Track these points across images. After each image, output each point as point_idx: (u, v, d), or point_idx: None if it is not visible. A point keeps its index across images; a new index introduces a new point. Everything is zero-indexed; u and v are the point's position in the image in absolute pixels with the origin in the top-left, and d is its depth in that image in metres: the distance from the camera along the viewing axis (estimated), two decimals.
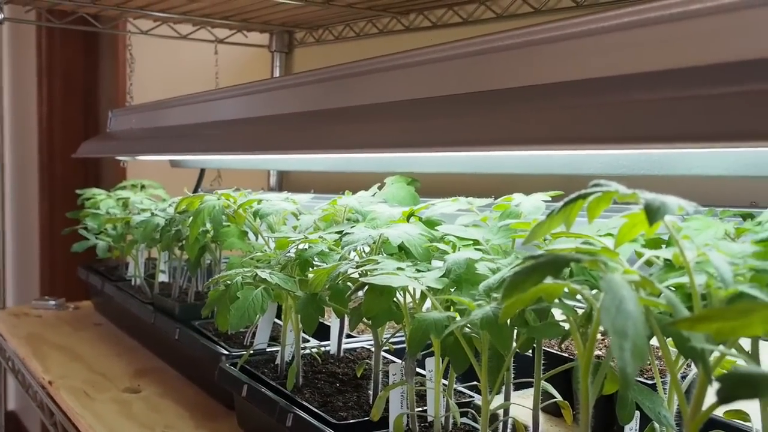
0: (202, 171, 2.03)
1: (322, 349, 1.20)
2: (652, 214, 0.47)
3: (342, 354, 1.21)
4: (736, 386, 0.37)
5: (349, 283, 0.91)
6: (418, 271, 0.82)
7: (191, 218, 1.23)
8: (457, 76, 0.88)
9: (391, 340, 1.09)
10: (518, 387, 0.91)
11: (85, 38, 3.93)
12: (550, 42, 0.77)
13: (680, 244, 0.52)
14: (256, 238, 1.34)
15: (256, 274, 0.97)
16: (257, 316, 0.94)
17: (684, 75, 0.61)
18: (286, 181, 2.13)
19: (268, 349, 1.22)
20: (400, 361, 1.12)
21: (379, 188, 1.19)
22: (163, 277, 1.70)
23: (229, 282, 0.97)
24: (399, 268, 0.80)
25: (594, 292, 0.60)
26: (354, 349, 1.24)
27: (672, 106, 0.56)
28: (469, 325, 0.69)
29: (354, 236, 0.89)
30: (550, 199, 0.82)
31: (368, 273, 0.79)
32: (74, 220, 1.85)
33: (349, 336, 1.29)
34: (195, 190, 2.05)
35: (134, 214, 1.65)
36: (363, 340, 1.30)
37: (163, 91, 2.37)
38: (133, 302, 1.61)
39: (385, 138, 0.90)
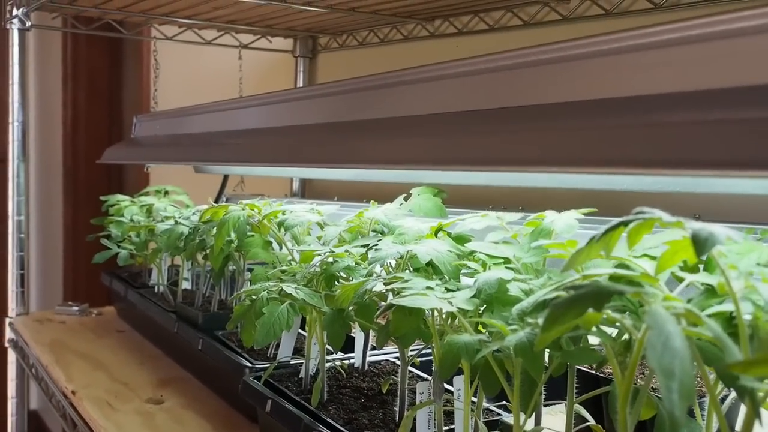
0: (226, 177, 2.03)
1: (347, 362, 1.19)
2: (700, 245, 0.45)
3: (367, 367, 1.19)
4: None
5: (375, 298, 0.89)
6: (447, 290, 0.80)
7: (216, 229, 1.22)
8: (486, 90, 0.87)
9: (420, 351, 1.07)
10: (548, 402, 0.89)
11: (109, 43, 3.96)
12: (582, 58, 0.75)
13: (727, 274, 0.50)
14: (280, 248, 1.33)
15: (282, 289, 0.95)
16: (282, 331, 0.92)
17: (726, 96, 0.59)
18: (309, 188, 2.12)
19: (292, 362, 1.21)
20: (427, 378, 1.11)
21: (405, 199, 1.18)
22: (186, 285, 1.70)
23: (254, 297, 0.96)
24: (428, 287, 0.78)
25: (632, 320, 0.58)
26: (379, 362, 1.23)
27: (716, 130, 0.53)
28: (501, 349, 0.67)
29: (382, 252, 0.87)
30: (582, 217, 0.80)
31: (397, 291, 0.77)
32: (99, 226, 1.85)
33: (373, 348, 1.28)
34: (218, 196, 2.05)
35: (158, 221, 1.65)
36: (388, 353, 1.28)
37: (188, 97, 2.38)
38: (155, 310, 1.61)
39: (409, 154, 0.88)
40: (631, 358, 0.57)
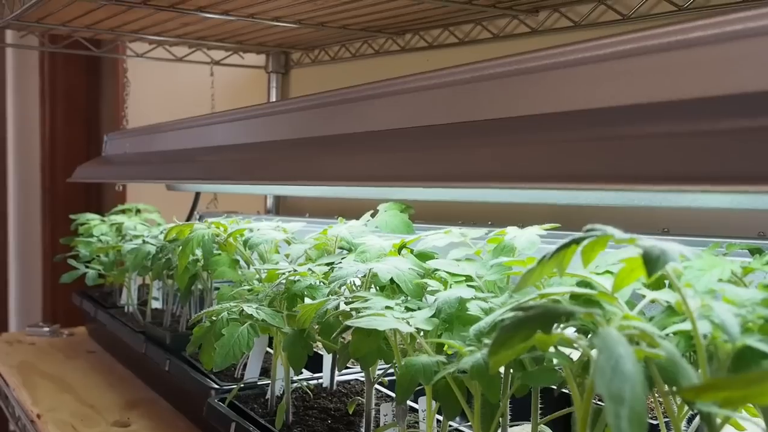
0: (197, 195, 2.00)
1: (315, 382, 1.16)
2: (652, 264, 0.43)
3: (335, 387, 1.17)
4: None
5: (340, 317, 0.87)
6: (408, 309, 0.78)
7: (180, 247, 1.19)
8: (453, 103, 0.85)
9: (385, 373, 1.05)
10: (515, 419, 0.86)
11: (86, 61, 3.92)
12: (546, 70, 0.73)
13: (682, 292, 0.48)
14: (248, 267, 1.31)
15: (242, 310, 0.93)
16: (243, 353, 0.90)
17: (689, 107, 0.57)
18: (283, 205, 2.10)
19: (259, 383, 1.18)
20: (392, 398, 1.08)
21: (372, 215, 1.16)
22: (156, 304, 1.66)
23: (214, 318, 0.93)
24: (388, 307, 0.76)
25: (590, 339, 0.56)
26: (348, 382, 1.20)
27: (677, 143, 0.52)
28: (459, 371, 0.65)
29: (342, 271, 0.85)
30: (545, 233, 0.78)
31: (356, 311, 0.75)
32: (70, 246, 1.81)
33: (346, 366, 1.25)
34: (190, 214, 2.02)
35: (126, 240, 1.62)
36: (358, 372, 1.26)
37: (160, 114, 2.35)
38: (124, 330, 1.57)
39: (376, 171, 0.86)
40: (589, 380, 0.55)
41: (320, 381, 1.18)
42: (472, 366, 0.60)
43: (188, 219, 2.01)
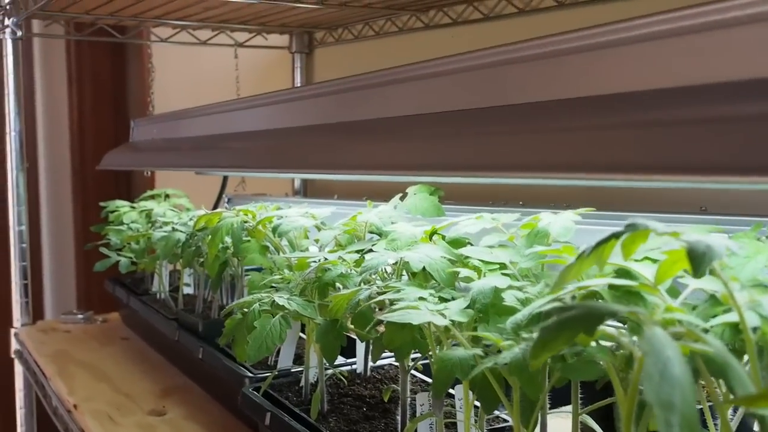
0: (225, 178, 2.00)
1: (349, 368, 1.16)
2: (697, 261, 0.41)
3: (369, 373, 1.16)
4: None
5: (374, 305, 0.86)
6: (442, 299, 0.76)
7: (209, 236, 1.19)
8: (483, 87, 0.82)
9: (420, 360, 1.04)
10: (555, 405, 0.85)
11: (112, 47, 3.93)
12: (580, 51, 0.70)
13: (730, 287, 0.46)
14: (278, 252, 1.30)
15: (274, 301, 0.92)
16: (276, 345, 0.89)
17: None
18: (311, 187, 2.09)
19: (293, 370, 1.18)
20: (428, 384, 1.07)
21: (402, 198, 1.14)
22: (188, 290, 1.67)
23: (246, 310, 0.93)
24: (421, 298, 0.74)
25: (633, 334, 0.54)
26: (382, 367, 1.19)
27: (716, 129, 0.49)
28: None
29: (373, 261, 0.84)
30: (579, 218, 0.76)
31: (389, 303, 0.74)
32: (99, 234, 1.83)
33: None
34: (218, 198, 2.02)
35: (156, 227, 1.62)
36: (391, 356, 1.25)
37: (186, 98, 2.35)
38: (157, 318, 1.58)
39: (406, 160, 0.84)
40: (633, 375, 0.53)
41: (354, 367, 1.17)
42: (511, 362, 0.59)
43: (217, 202, 2.01)
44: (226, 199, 2.04)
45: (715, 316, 0.56)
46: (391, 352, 0.80)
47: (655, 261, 0.67)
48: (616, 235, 0.48)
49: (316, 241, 1.25)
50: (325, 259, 0.97)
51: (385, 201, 1.15)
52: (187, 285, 1.69)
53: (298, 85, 2.05)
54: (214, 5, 1.63)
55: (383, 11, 1.62)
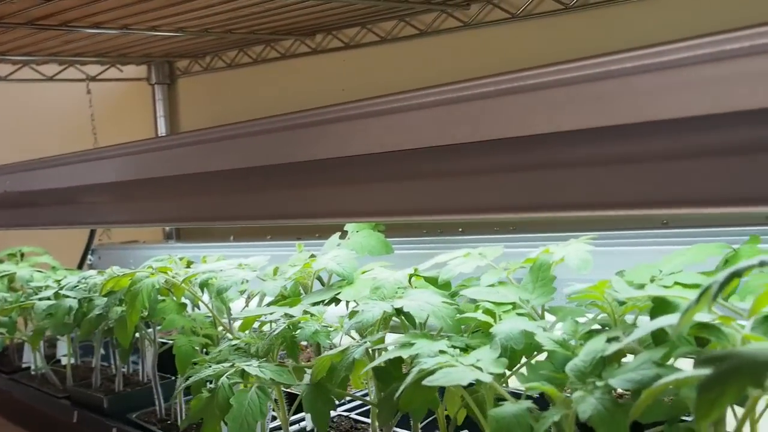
0: (93, 231, 1.80)
1: (298, 425, 1.06)
2: None
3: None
4: None
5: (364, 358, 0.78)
6: (455, 347, 0.71)
7: (126, 302, 1.05)
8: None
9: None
10: None
11: None
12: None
13: None
14: (193, 309, 1.17)
15: (243, 370, 0.82)
16: (257, 421, 0.79)
17: None
18: (184, 230, 1.94)
19: None
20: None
21: (341, 237, 1.07)
22: (63, 360, 1.47)
23: (211, 385, 0.81)
24: (442, 351, 0.68)
25: None
26: (332, 419, 1.11)
27: None
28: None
29: (367, 314, 0.76)
30: (591, 248, 0.74)
31: (412, 360, 0.67)
32: None
33: None
34: (85, 251, 1.81)
35: (28, 295, 1.42)
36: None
37: (36, 141, 2.07)
38: (42, 397, 1.38)
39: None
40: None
41: (303, 424, 1.07)
42: (594, 414, 0.55)
43: (84, 255, 1.81)
44: (91, 252, 1.84)
45: None
46: (405, 412, 0.73)
47: (686, 286, 0.67)
48: (737, 273, 0.45)
49: (241, 292, 1.14)
50: (287, 315, 0.88)
51: (297, 239, 1.06)
52: (63, 355, 1.49)
53: (161, 115, 1.89)
54: (74, 38, 1.46)
55: (266, 36, 1.53)
